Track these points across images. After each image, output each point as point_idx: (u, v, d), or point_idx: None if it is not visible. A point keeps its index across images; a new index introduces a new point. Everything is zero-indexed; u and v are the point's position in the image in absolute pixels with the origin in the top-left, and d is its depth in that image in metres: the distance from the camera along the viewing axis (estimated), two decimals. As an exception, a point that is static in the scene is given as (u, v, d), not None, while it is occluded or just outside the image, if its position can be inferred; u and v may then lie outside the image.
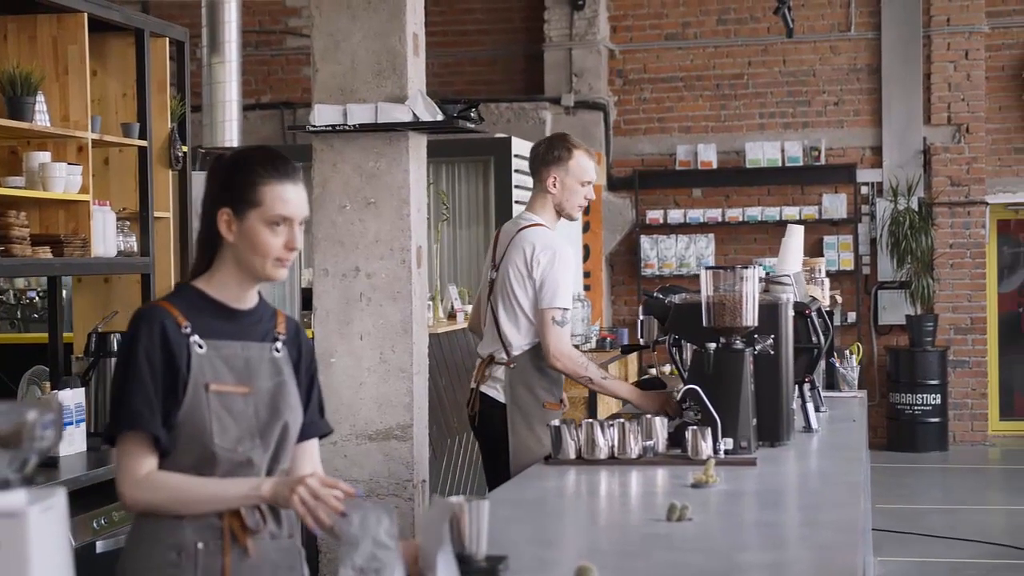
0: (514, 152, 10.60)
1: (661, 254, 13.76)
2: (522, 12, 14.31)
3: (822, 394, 5.94)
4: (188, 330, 2.99)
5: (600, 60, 13.83)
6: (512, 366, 5.24)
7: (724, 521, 3.74)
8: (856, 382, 6.96)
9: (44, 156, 5.57)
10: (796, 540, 3.62)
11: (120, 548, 4.69)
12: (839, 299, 10.94)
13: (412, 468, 5.93)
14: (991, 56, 13.51)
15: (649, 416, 4.63)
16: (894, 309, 13.44)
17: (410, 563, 2.78)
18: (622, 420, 4.55)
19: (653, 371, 11.95)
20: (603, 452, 4.48)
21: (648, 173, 13.91)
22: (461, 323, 8.53)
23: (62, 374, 5.77)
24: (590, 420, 4.57)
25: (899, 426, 13.14)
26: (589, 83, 13.80)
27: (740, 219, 13.60)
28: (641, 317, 5.40)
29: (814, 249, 12.85)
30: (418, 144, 6.07)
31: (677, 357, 5.20)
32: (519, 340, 5.25)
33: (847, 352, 7.09)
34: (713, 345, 4.66)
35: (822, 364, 6.09)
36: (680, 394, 4.71)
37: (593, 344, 11.02)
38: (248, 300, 3.09)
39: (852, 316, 13.36)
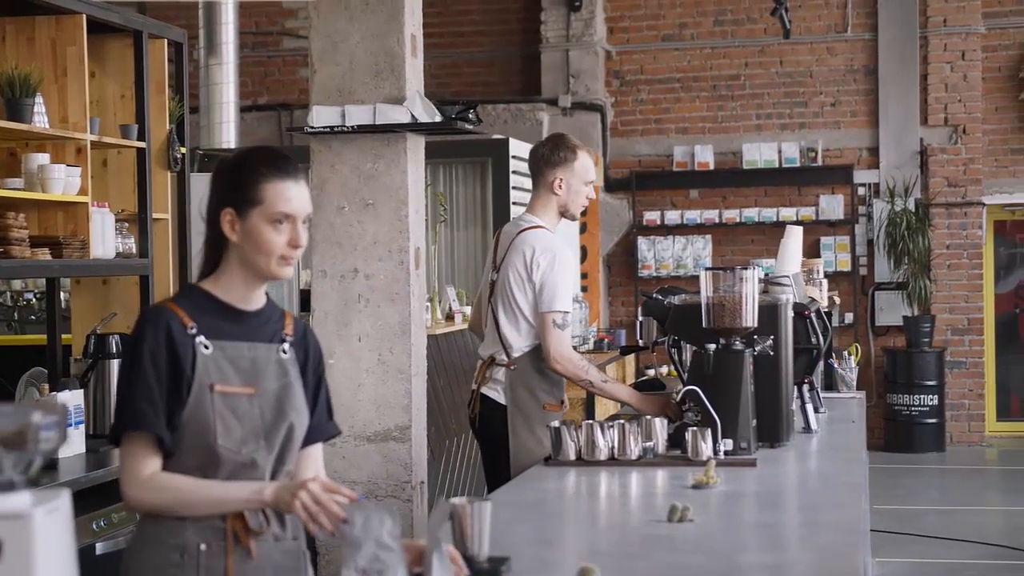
0: (512, 153, 10.59)
1: (658, 255, 13.76)
2: (519, 13, 14.31)
3: (821, 395, 5.94)
4: (194, 331, 2.99)
5: (597, 61, 13.83)
6: (512, 368, 5.24)
7: (725, 522, 3.74)
8: (855, 383, 6.96)
9: (43, 158, 5.57)
10: (798, 541, 3.61)
11: (120, 549, 4.70)
12: (837, 300, 10.94)
13: (411, 469, 5.93)
14: (988, 57, 13.52)
15: (649, 417, 4.63)
16: (891, 310, 13.45)
17: (413, 564, 2.78)
18: (622, 421, 4.55)
19: (651, 372, 11.96)
20: (603, 453, 4.48)
21: (645, 174, 13.91)
22: (459, 324, 8.53)
23: (61, 376, 5.76)
24: (590, 421, 4.57)
25: (896, 427, 13.14)
26: (586, 84, 13.80)
27: (737, 220, 13.60)
28: (640, 318, 5.40)
29: (811, 250, 12.85)
30: (416, 145, 6.07)
31: (676, 358, 5.20)
32: (519, 342, 5.25)
33: (846, 353, 7.09)
34: (713, 346, 4.66)
35: (820, 365, 6.08)
36: (680, 395, 4.71)
37: (591, 345, 11.03)
38: (255, 301, 3.09)
39: (849, 317, 13.36)
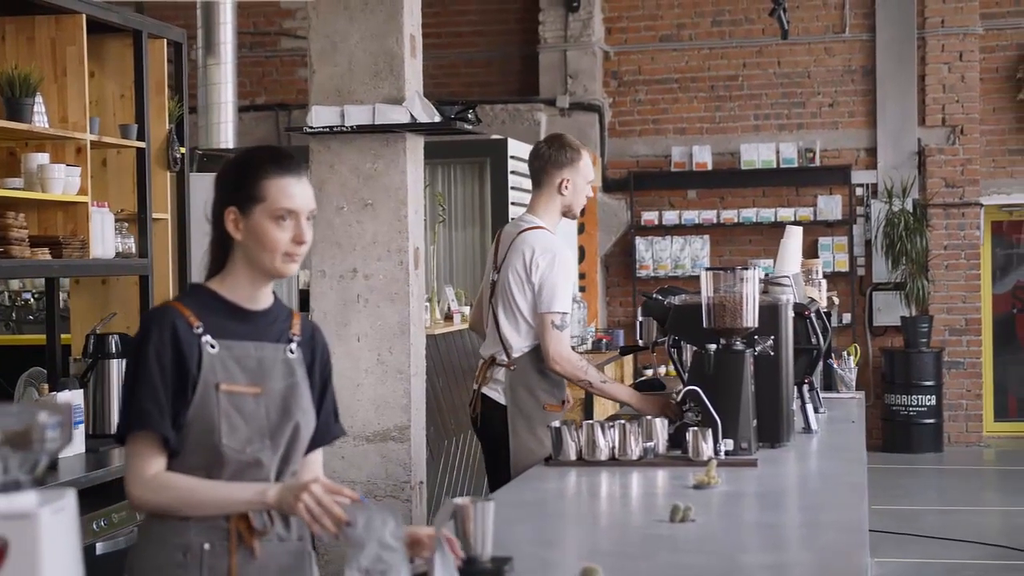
0: (510, 154, 10.59)
1: (656, 255, 13.76)
2: (517, 14, 14.31)
3: (820, 395, 5.95)
4: (200, 330, 2.99)
5: (595, 62, 13.84)
6: (512, 368, 5.24)
7: (727, 522, 3.74)
8: (854, 383, 6.96)
9: (43, 157, 5.56)
10: (800, 541, 3.61)
11: (120, 549, 4.70)
12: (836, 300, 10.94)
13: (410, 469, 5.93)
14: (985, 58, 13.53)
15: (649, 417, 4.63)
16: (889, 310, 13.46)
17: (424, 549, 2.80)
18: (623, 421, 4.55)
19: (649, 372, 11.96)
20: (604, 453, 4.48)
21: (643, 174, 13.91)
22: (458, 324, 8.53)
23: (60, 376, 5.76)
24: (591, 421, 4.57)
25: (894, 427, 13.15)
26: (584, 85, 13.80)
27: (735, 220, 13.61)
28: (640, 318, 5.40)
29: (809, 250, 12.86)
30: (415, 145, 6.07)
31: (676, 358, 5.20)
32: (519, 342, 5.24)
33: (845, 353, 7.10)
34: (713, 346, 4.66)
35: (820, 365, 6.09)
36: (680, 395, 4.71)
37: (589, 346, 11.03)
38: (262, 300, 3.09)
39: (847, 317, 13.37)
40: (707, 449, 4.45)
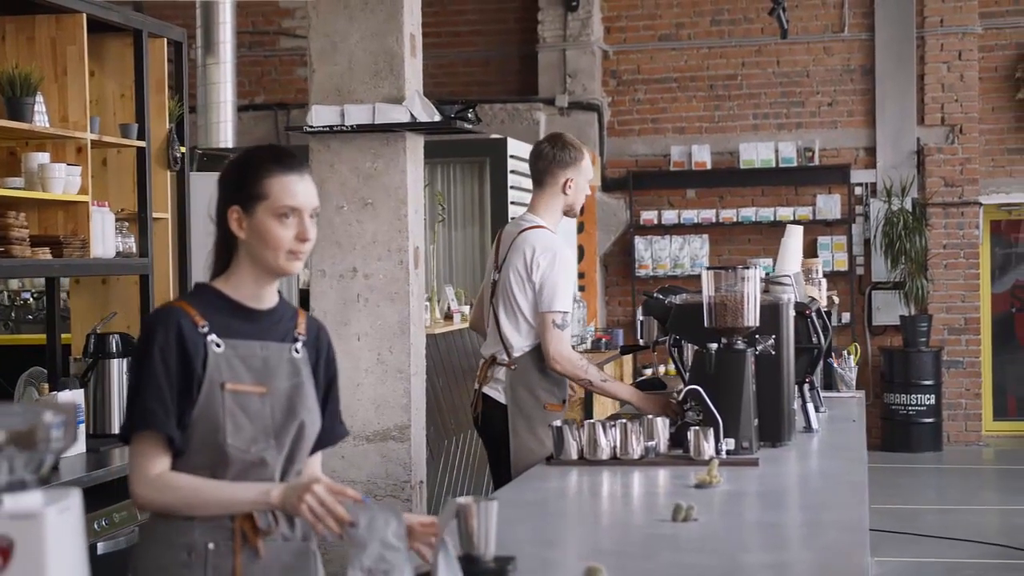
0: (510, 153, 10.59)
1: (655, 255, 13.76)
2: (515, 13, 14.31)
3: (821, 394, 5.95)
4: (205, 329, 2.99)
5: (594, 61, 13.84)
6: (513, 367, 5.24)
7: (729, 521, 3.74)
8: (854, 382, 6.97)
9: (43, 157, 5.56)
10: (802, 540, 3.61)
11: (121, 549, 4.70)
12: (836, 299, 10.95)
13: (410, 469, 5.92)
14: (984, 57, 13.53)
15: (651, 417, 4.63)
16: (888, 310, 13.46)
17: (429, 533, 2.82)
18: (624, 421, 4.55)
19: (649, 372, 11.95)
20: (605, 453, 4.48)
21: (642, 174, 13.91)
22: (458, 324, 8.53)
23: (60, 375, 5.75)
24: (592, 421, 4.57)
25: (893, 426, 13.15)
26: (583, 84, 13.80)
27: (734, 220, 13.61)
28: (641, 317, 5.40)
29: (808, 250, 12.85)
30: (415, 145, 6.07)
31: (677, 357, 5.20)
32: (520, 342, 5.24)
33: (845, 352, 7.10)
34: (715, 345, 4.66)
35: (820, 364, 6.09)
36: (682, 394, 4.71)
37: (588, 345, 11.02)
38: (267, 300, 3.09)
39: (846, 317, 13.36)
40: (708, 448, 4.45)
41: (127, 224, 6.12)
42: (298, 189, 3.02)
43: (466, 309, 8.76)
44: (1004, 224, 14.03)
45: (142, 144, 6.11)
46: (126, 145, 6.09)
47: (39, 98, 5.51)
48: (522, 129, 12.92)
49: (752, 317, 4.67)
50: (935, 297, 13.40)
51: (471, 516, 2.86)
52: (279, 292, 3.14)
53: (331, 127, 5.90)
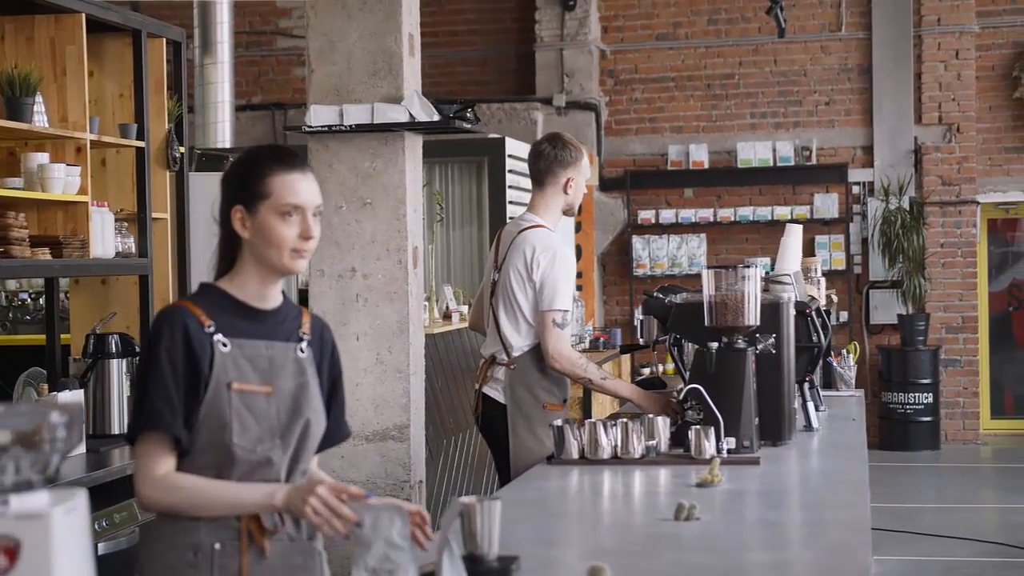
0: (508, 152, 10.59)
1: (653, 254, 13.76)
2: (513, 12, 14.31)
3: (820, 393, 5.95)
4: (211, 329, 2.98)
5: (591, 60, 13.84)
6: (512, 367, 5.23)
7: (731, 520, 3.74)
8: (853, 381, 6.97)
9: (43, 157, 5.56)
10: (804, 539, 3.61)
11: (122, 550, 4.70)
12: (835, 298, 10.95)
13: (409, 469, 5.92)
14: (981, 56, 13.54)
15: (651, 416, 4.63)
16: (886, 308, 13.46)
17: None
18: (625, 420, 4.55)
19: (647, 371, 11.95)
20: (606, 452, 4.48)
21: (640, 173, 13.91)
22: (457, 323, 8.53)
23: (60, 376, 5.75)
24: (593, 420, 4.57)
25: (891, 425, 13.15)
26: (580, 83, 13.80)
27: (732, 219, 13.61)
28: (640, 317, 5.40)
29: (806, 249, 12.84)
30: (414, 144, 6.07)
31: (677, 357, 5.20)
32: (519, 341, 5.24)
33: (844, 351, 7.10)
34: (715, 344, 4.66)
35: (820, 363, 6.09)
36: (682, 394, 4.71)
37: (586, 344, 11.02)
38: (271, 299, 3.09)
39: (844, 315, 13.37)
40: (709, 447, 4.45)
41: (126, 224, 6.12)
42: (301, 187, 3.02)
43: (465, 309, 8.76)
44: (1001, 223, 14.04)
45: (141, 144, 6.10)
46: (125, 145, 6.08)
47: (38, 98, 5.51)
48: (519, 129, 12.92)
49: (753, 316, 4.67)
50: (933, 296, 13.40)
51: (474, 516, 2.86)
52: (283, 292, 3.14)
53: (330, 127, 5.89)
